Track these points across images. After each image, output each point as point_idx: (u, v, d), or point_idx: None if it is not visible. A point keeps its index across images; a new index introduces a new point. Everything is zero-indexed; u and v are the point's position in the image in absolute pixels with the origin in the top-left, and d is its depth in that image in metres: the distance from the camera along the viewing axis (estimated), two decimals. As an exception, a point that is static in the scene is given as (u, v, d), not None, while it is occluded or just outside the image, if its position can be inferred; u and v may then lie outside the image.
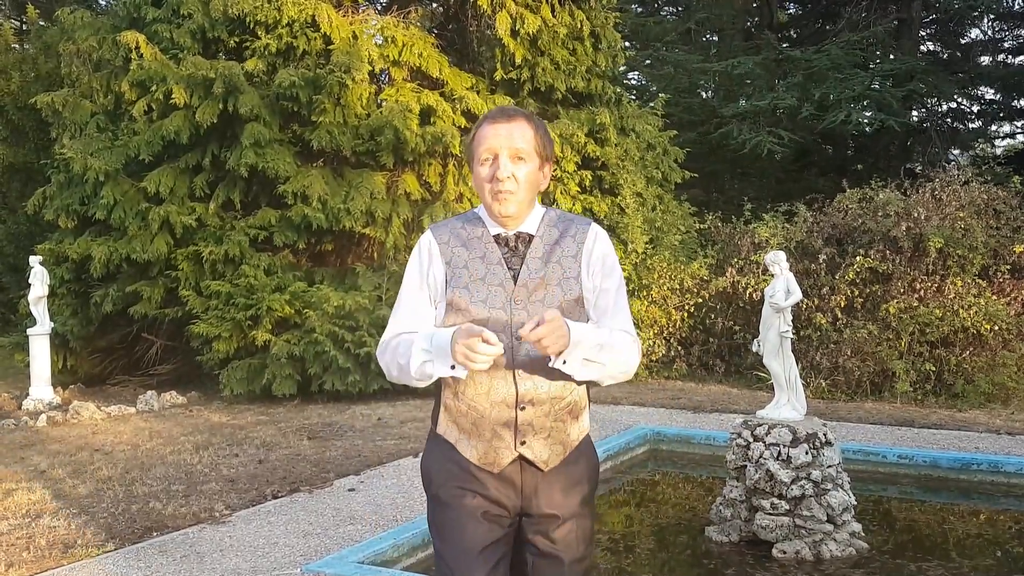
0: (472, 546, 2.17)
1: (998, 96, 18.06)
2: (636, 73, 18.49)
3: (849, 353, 8.70)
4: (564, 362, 2.06)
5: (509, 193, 2.15)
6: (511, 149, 2.15)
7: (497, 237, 2.22)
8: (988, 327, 8.47)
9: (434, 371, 2.11)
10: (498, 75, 10.50)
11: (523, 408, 2.17)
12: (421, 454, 2.43)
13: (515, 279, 2.18)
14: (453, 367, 2.06)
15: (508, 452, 2.18)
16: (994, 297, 8.83)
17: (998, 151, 19.69)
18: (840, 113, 13.72)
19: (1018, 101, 18.07)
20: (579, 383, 2.23)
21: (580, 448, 2.27)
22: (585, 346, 2.07)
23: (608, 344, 2.13)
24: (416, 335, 2.16)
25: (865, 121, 14.18)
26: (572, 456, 2.25)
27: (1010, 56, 18.05)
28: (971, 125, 18.17)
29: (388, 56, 9.74)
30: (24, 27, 19.44)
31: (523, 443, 2.18)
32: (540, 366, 2.14)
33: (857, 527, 4.73)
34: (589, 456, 2.32)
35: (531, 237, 2.23)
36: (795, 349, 5.94)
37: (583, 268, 2.21)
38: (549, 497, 2.22)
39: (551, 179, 10.16)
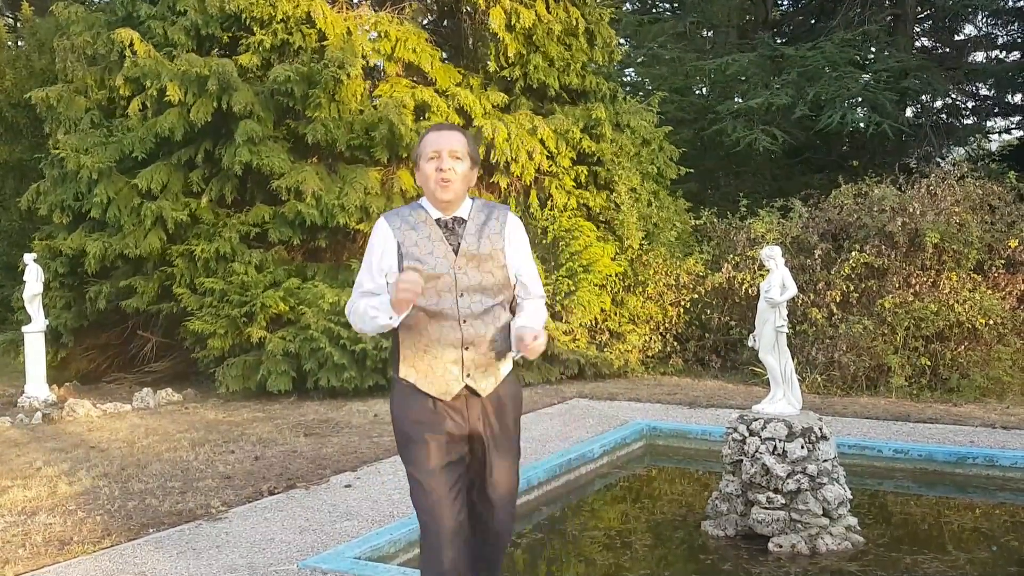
0: (436, 464, 2.84)
1: (992, 92, 18.07)
2: (631, 70, 18.45)
3: (845, 348, 8.71)
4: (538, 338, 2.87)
5: (449, 182, 2.85)
6: (451, 150, 2.87)
7: (438, 220, 2.91)
8: (983, 321, 8.49)
9: (380, 320, 2.83)
10: (492, 70, 10.49)
11: (467, 348, 2.88)
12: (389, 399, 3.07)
13: (455, 251, 2.88)
14: (391, 318, 2.80)
15: (456, 383, 2.87)
16: (989, 292, 8.85)
17: (993, 147, 19.70)
18: (835, 114, 13.72)
19: (1012, 97, 18.09)
20: (503, 330, 2.96)
21: (507, 380, 2.99)
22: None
23: (543, 319, 3.03)
24: (369, 299, 2.87)
25: (858, 120, 14.17)
26: (502, 386, 2.97)
27: (1004, 52, 18.06)
28: (966, 121, 18.17)
29: (382, 51, 9.74)
30: (18, 24, 19.39)
31: (468, 375, 2.88)
32: (479, 316, 2.88)
33: (853, 521, 4.75)
34: (513, 386, 3.04)
35: (464, 220, 2.93)
36: (791, 344, 5.95)
37: (506, 242, 2.94)
38: (486, 417, 2.93)
39: (546, 175, 10.26)
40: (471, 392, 2.89)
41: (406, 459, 2.91)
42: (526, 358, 2.89)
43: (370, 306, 2.84)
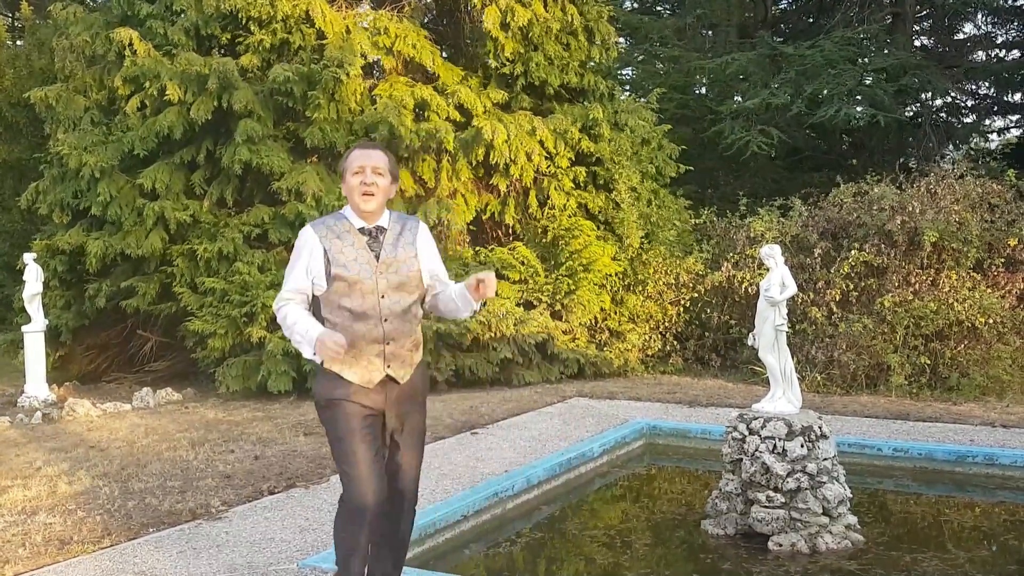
0: (357, 428, 3.22)
1: (992, 91, 18.07)
2: (630, 69, 18.44)
3: (844, 347, 8.71)
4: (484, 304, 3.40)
5: (371, 195, 3.22)
6: (374, 166, 3.24)
7: (361, 229, 3.27)
8: (983, 320, 8.49)
9: (302, 351, 3.22)
10: (492, 67, 10.49)
11: (388, 343, 3.24)
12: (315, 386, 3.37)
13: (377, 258, 3.24)
14: (314, 354, 3.15)
15: (379, 373, 3.24)
16: (988, 290, 8.85)
17: (992, 145, 19.70)
18: (831, 108, 13.70)
19: (1011, 96, 18.08)
20: (416, 325, 3.37)
21: (419, 368, 3.38)
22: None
23: None
24: (300, 317, 3.19)
25: (856, 115, 14.15)
26: (415, 373, 3.35)
27: (1003, 51, 18.05)
28: (965, 120, 18.16)
29: (381, 45, 9.73)
30: (16, 24, 19.39)
31: (389, 367, 3.25)
32: (398, 315, 3.25)
33: (852, 520, 4.75)
34: (424, 373, 3.45)
35: (384, 229, 3.30)
36: (790, 343, 5.95)
37: (419, 249, 3.34)
38: (402, 402, 3.32)
39: (545, 175, 10.26)
40: (390, 380, 3.26)
41: (330, 428, 3.29)
42: (485, 297, 3.24)
43: (297, 331, 3.17)
